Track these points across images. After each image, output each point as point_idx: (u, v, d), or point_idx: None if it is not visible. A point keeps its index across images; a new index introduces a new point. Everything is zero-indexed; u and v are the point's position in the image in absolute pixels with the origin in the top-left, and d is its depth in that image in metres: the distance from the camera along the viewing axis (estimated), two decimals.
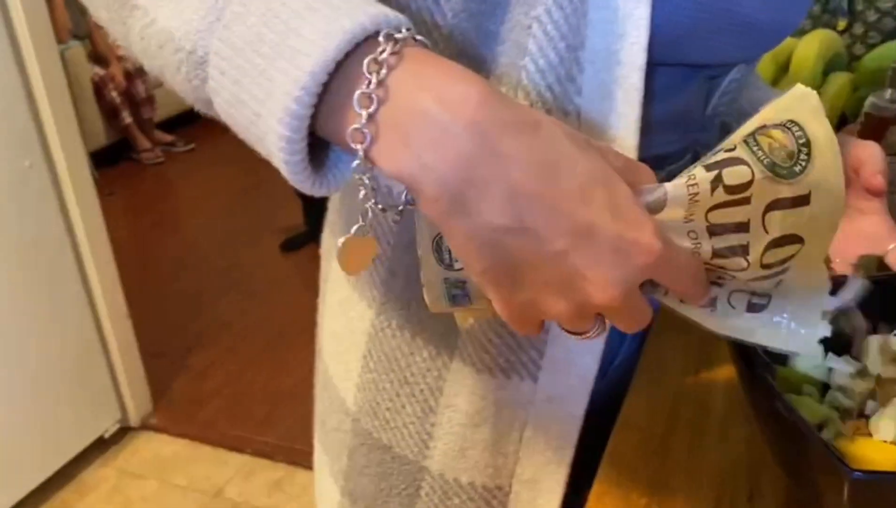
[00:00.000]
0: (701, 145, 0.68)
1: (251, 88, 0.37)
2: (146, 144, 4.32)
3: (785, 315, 0.40)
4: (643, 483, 0.52)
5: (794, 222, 0.36)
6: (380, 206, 0.40)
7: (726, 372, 0.62)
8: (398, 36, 0.36)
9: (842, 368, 0.52)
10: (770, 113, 0.37)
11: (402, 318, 0.63)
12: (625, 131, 0.52)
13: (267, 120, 0.37)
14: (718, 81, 0.66)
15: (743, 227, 0.36)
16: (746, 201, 0.36)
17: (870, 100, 0.76)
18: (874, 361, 0.53)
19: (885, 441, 0.46)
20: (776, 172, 0.35)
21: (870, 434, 0.47)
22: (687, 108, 0.63)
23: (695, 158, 0.67)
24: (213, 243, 3.35)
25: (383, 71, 0.35)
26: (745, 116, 0.58)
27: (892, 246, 0.59)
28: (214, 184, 4.00)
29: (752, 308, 0.40)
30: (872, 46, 1.06)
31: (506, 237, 0.35)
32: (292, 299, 2.73)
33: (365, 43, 0.36)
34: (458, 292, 0.42)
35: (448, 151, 0.34)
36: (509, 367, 0.61)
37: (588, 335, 0.39)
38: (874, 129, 0.76)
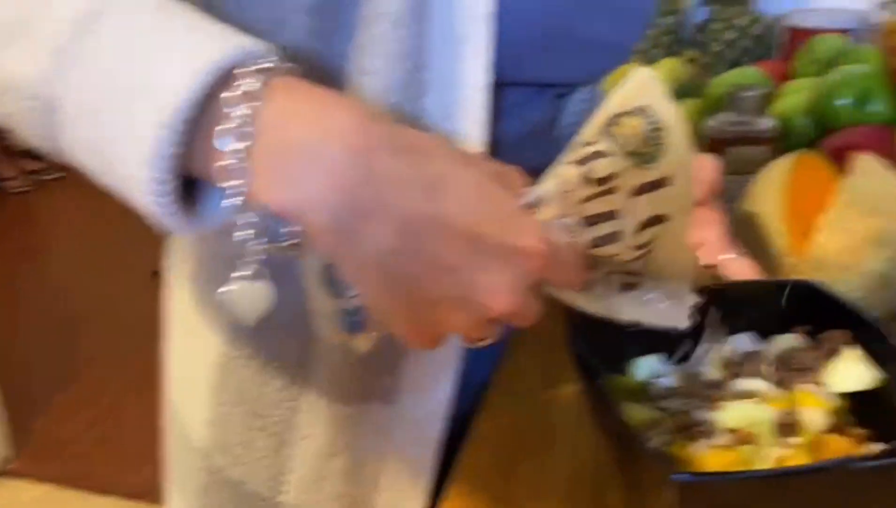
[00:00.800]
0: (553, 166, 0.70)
1: (111, 132, 0.36)
2: (10, 172, 4.09)
3: (657, 293, 0.43)
4: (491, 499, 0.52)
5: (659, 202, 0.39)
6: (266, 244, 0.38)
7: (576, 387, 0.64)
8: (263, 67, 0.36)
9: (673, 376, 0.54)
10: (619, 100, 0.39)
11: (253, 346, 0.62)
12: (472, 147, 0.53)
13: (129, 166, 0.36)
14: (566, 101, 0.68)
15: (612, 215, 0.39)
16: (613, 190, 0.39)
17: (709, 123, 0.81)
18: (707, 367, 0.55)
19: (716, 446, 0.48)
20: (636, 159, 0.38)
21: (703, 439, 0.49)
22: (536, 128, 0.65)
23: None
24: (81, 274, 3.19)
25: (254, 103, 0.35)
26: None
27: (722, 257, 0.62)
28: (85, 212, 3.81)
29: (625, 288, 0.43)
30: (718, 74, 1.14)
31: (398, 260, 0.35)
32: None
33: (229, 77, 0.35)
34: (355, 320, 0.43)
35: (331, 181, 0.34)
36: (365, 393, 0.60)
37: (486, 341, 0.40)
38: (713, 150, 0.81)
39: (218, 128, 0.35)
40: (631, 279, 0.43)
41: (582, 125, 0.71)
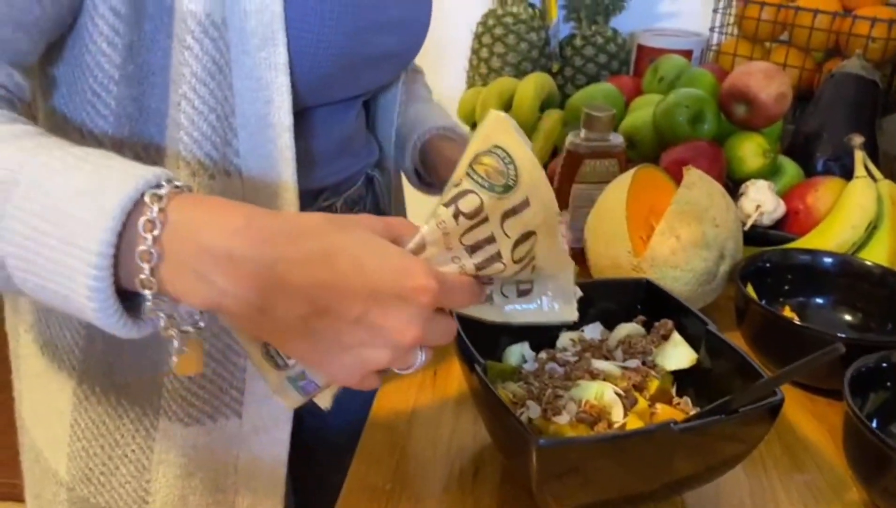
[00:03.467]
0: (371, 167, 0.77)
1: (53, 278, 0.42)
2: None
3: (549, 293, 0.50)
4: (388, 474, 0.61)
5: (525, 221, 0.45)
6: (184, 329, 0.45)
7: (455, 382, 0.73)
8: (161, 192, 0.41)
9: (537, 360, 0.64)
10: (478, 143, 0.45)
11: (105, 383, 0.65)
12: (285, 183, 0.58)
13: (76, 300, 0.41)
14: (373, 106, 0.75)
15: (490, 239, 0.45)
16: (485, 219, 0.45)
17: (568, 138, 0.91)
18: (565, 353, 0.66)
19: (575, 418, 0.58)
20: (496, 190, 0.44)
21: (564, 413, 0.59)
22: (348, 135, 0.71)
23: (369, 181, 0.77)
24: None
25: (154, 231, 0.40)
26: (413, 127, 0.72)
27: None
28: None
29: (521, 294, 0.50)
30: (579, 87, 1.26)
31: (311, 324, 0.41)
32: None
33: (135, 207, 0.41)
34: (304, 383, 0.47)
35: (239, 272, 0.40)
36: (214, 411, 0.65)
37: (415, 365, 0.46)
38: (572, 163, 0.91)
39: (137, 249, 0.41)
40: (524, 286, 0.50)
41: (391, 124, 0.79)
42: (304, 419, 0.77)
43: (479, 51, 1.30)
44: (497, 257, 0.46)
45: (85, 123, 0.57)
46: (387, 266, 0.42)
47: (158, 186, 0.42)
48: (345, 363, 0.43)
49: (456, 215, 0.45)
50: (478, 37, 1.31)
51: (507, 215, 0.45)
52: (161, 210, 0.41)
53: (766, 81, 0.94)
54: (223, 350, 0.64)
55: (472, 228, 0.45)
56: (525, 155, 0.45)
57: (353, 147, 0.73)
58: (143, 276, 0.41)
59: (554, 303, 0.51)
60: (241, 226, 0.41)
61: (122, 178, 0.41)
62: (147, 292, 0.41)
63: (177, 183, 0.42)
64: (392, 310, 0.42)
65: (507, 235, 0.46)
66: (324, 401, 0.56)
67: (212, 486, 0.68)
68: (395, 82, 0.78)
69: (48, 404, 0.68)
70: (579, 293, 0.51)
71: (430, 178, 0.81)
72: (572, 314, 0.51)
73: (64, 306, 0.43)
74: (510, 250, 0.46)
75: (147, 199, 0.41)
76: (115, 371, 0.64)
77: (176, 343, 0.44)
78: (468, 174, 0.45)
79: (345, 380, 0.44)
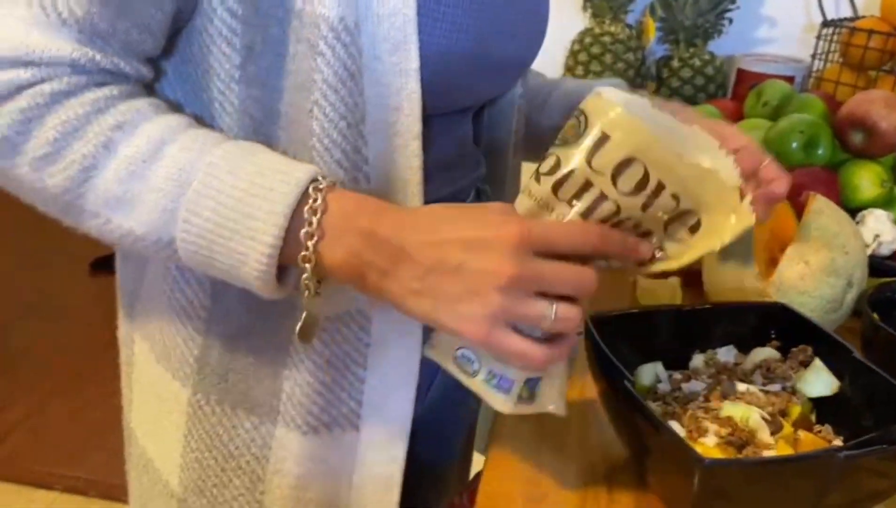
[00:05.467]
0: (482, 181, 0.77)
1: (224, 261, 0.52)
2: None
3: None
4: (523, 482, 0.60)
5: (612, 153, 0.48)
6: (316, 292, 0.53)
7: (576, 392, 0.72)
8: (321, 186, 0.51)
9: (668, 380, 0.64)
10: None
11: (220, 392, 0.64)
12: (412, 191, 0.59)
13: (243, 275, 0.52)
14: (484, 117, 0.75)
15: (586, 185, 0.49)
16: (571, 172, 0.49)
17: None
18: (700, 375, 0.65)
19: (721, 438, 0.57)
20: (569, 142, 0.49)
21: (709, 433, 0.58)
22: (461, 145, 0.71)
23: (478, 196, 0.77)
24: (12, 264, 3.07)
25: (318, 213, 0.50)
26: (544, 132, 0.76)
27: (762, 163, 0.67)
28: (21, 205, 3.65)
29: (692, 230, 0.52)
30: None
31: (427, 281, 0.48)
32: (102, 322, 2.54)
33: (300, 200, 0.50)
34: (497, 380, 0.52)
35: (379, 247, 0.50)
36: (332, 422, 0.64)
37: (548, 317, 0.48)
38: None
39: (301, 231, 0.50)
40: (690, 220, 0.51)
41: (506, 135, 0.80)
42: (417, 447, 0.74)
43: (575, 68, 1.30)
44: (602, 197, 0.49)
45: (214, 119, 0.58)
46: (479, 220, 0.49)
47: (316, 179, 0.51)
48: (463, 313, 0.48)
49: (538, 178, 0.50)
50: (573, 54, 1.31)
51: (590, 155, 0.48)
52: (323, 199, 0.50)
53: (888, 109, 0.92)
54: (343, 359, 0.63)
55: (560, 182, 0.49)
56: (593, 100, 0.49)
57: (465, 159, 0.73)
58: (305, 253, 0.50)
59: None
60: (382, 212, 0.51)
61: (284, 179, 0.51)
62: (307, 266, 0.50)
63: (331, 181, 0.51)
64: (483, 253, 0.47)
65: (599, 173, 0.48)
66: (556, 407, 0.55)
67: (324, 501, 0.66)
68: (510, 91, 0.78)
69: (161, 413, 0.68)
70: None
71: None
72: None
73: (225, 278, 0.53)
74: (611, 185, 0.48)
75: (310, 191, 0.50)
76: (231, 379, 0.64)
77: (305, 296, 0.52)
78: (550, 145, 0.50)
79: (474, 334, 0.48)
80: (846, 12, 1.31)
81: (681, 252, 0.52)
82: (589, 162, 0.48)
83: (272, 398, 0.63)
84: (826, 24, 1.23)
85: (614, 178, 0.48)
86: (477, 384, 0.51)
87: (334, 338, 0.62)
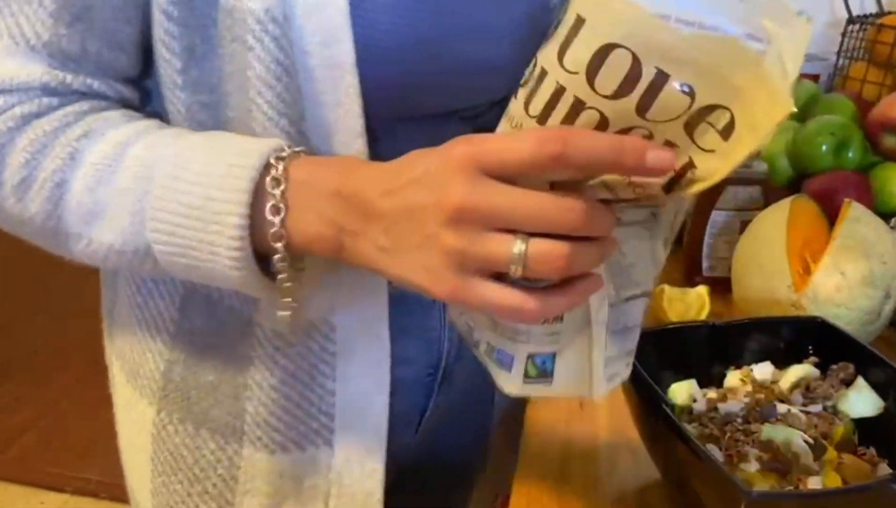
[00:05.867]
0: None
1: (198, 254, 0.48)
2: None
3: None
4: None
5: (589, 41, 0.36)
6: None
7: (605, 412, 0.70)
8: (283, 155, 0.48)
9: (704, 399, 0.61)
10: None
11: (183, 410, 0.61)
12: None
13: (220, 269, 0.48)
14: (481, 122, 0.63)
15: (558, 91, 0.37)
16: (543, 73, 0.38)
17: None
18: (737, 389, 0.62)
19: (763, 464, 0.54)
20: (548, 36, 0.38)
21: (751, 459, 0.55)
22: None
23: None
24: (20, 263, 3.06)
25: (281, 183, 0.47)
26: None
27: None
28: None
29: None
30: None
31: (390, 233, 0.43)
32: None
33: (261, 173, 0.47)
34: (496, 355, 0.45)
35: (344, 205, 0.46)
36: (302, 439, 0.60)
37: (510, 254, 0.39)
38: (713, 188, 0.87)
39: (267, 206, 0.47)
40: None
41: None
42: (398, 456, 0.69)
43: None
44: (578, 104, 0.37)
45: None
46: (433, 153, 0.42)
47: (280, 149, 0.48)
48: (422, 262, 0.41)
49: (516, 93, 0.40)
50: None
51: (563, 49, 0.36)
52: (285, 168, 0.47)
53: None
54: (310, 371, 0.59)
55: (532, 94, 0.38)
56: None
57: None
58: (274, 229, 0.47)
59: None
60: (349, 170, 0.47)
61: (244, 153, 0.48)
62: (279, 245, 0.47)
63: (294, 149, 0.49)
64: (428, 187, 0.40)
65: (572, 71, 0.36)
66: (580, 389, 0.47)
67: None
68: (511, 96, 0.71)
69: (133, 436, 0.66)
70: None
71: None
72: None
73: (211, 281, 0.50)
74: (587, 86, 0.36)
75: (272, 161, 0.47)
76: (192, 397, 0.61)
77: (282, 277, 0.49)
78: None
79: (440, 290, 0.41)
80: (872, 8, 1.28)
81: (713, 168, 0.37)
82: (560, 59, 0.36)
83: (235, 418, 0.60)
84: (852, 20, 1.20)
85: (590, 75, 0.36)
86: (483, 358, 0.43)
87: (299, 350, 0.58)
